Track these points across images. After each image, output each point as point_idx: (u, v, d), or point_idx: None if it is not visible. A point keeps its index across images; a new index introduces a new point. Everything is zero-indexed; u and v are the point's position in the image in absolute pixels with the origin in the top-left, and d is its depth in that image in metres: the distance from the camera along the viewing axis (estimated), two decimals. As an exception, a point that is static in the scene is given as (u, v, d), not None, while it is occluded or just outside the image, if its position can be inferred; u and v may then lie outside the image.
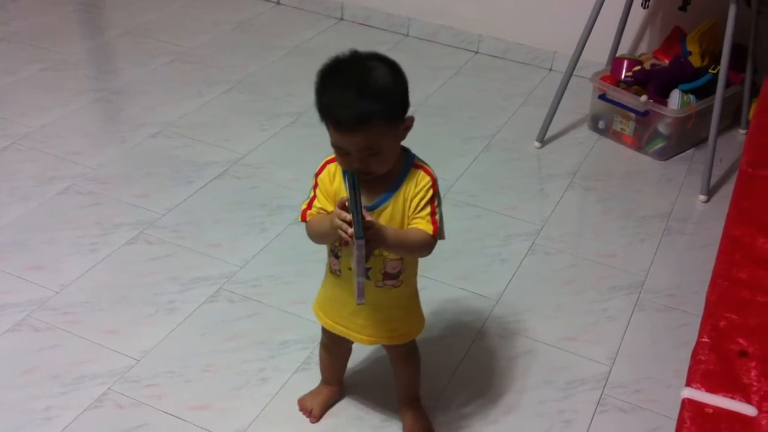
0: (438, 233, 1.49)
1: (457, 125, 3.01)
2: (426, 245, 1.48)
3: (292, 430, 1.81)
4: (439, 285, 2.22)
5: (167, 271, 2.21)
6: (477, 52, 3.54)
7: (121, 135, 2.84)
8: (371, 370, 1.93)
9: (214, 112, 2.98)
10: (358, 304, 1.42)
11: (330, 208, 1.49)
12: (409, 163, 1.51)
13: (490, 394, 1.92)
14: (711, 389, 1.17)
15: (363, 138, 1.38)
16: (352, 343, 1.76)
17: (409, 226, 1.49)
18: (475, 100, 3.20)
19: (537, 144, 2.91)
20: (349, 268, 1.50)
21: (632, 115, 2.86)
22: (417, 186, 1.48)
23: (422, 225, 1.48)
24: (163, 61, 3.30)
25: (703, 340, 1.25)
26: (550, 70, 3.43)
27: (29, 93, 3.01)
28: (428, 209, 1.48)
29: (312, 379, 1.89)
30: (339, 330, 1.67)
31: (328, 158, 1.52)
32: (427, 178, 1.50)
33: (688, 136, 2.90)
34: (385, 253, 1.51)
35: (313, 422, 1.82)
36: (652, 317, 2.18)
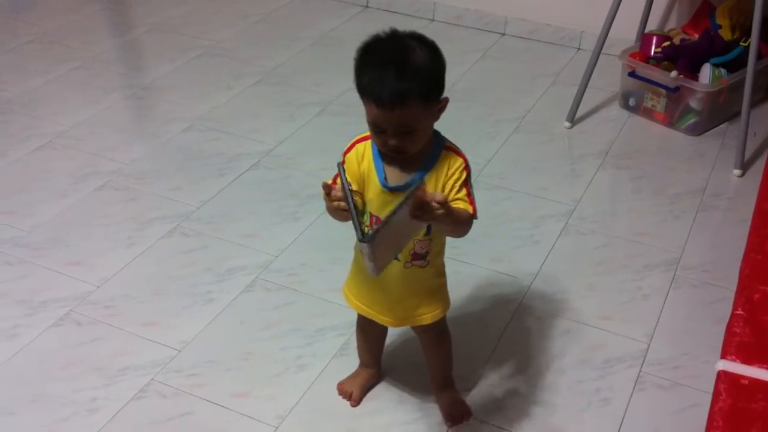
0: (475, 213, 1.51)
1: (485, 108, 3.00)
2: (468, 222, 1.50)
3: (333, 414, 1.83)
4: (473, 268, 2.22)
5: (204, 263, 2.24)
6: (503, 34, 3.53)
7: (153, 130, 2.87)
8: (409, 352, 1.94)
9: (243, 104, 3.01)
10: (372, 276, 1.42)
11: (354, 186, 1.51)
12: (439, 145, 1.52)
13: (527, 374, 1.93)
14: (746, 361, 1.17)
15: (400, 115, 1.39)
16: (386, 333, 1.78)
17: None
18: (503, 83, 3.19)
19: (567, 124, 2.90)
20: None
21: (663, 91, 2.84)
22: (450, 168, 1.50)
23: (463, 205, 1.49)
24: (191, 56, 3.33)
25: (738, 312, 1.24)
26: (578, 49, 3.40)
27: (62, 92, 3.06)
28: (464, 190, 1.50)
29: (349, 364, 1.91)
30: (366, 312, 1.69)
31: (359, 137, 1.54)
32: (460, 160, 1.51)
33: (720, 111, 2.87)
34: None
35: (353, 406, 1.84)
36: (689, 294, 2.17)
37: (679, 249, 2.32)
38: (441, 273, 1.68)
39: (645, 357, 1.97)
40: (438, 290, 1.68)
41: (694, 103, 2.81)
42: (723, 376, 1.15)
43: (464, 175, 1.51)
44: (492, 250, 2.30)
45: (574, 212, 2.46)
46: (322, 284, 2.17)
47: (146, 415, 1.81)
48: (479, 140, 2.80)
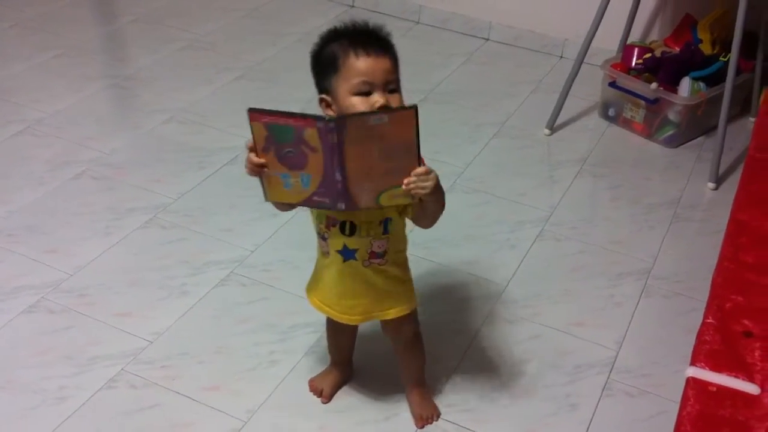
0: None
1: (467, 112, 3.02)
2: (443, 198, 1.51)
3: (304, 410, 1.84)
4: (448, 269, 2.24)
5: (180, 255, 2.24)
6: (488, 39, 3.55)
7: (133, 121, 2.86)
8: (381, 351, 1.94)
9: (225, 98, 3.00)
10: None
11: None
12: None
13: (498, 377, 1.94)
14: (715, 368, 1.19)
15: (391, 61, 1.44)
16: (356, 329, 1.79)
17: None
18: (485, 87, 3.20)
19: (547, 131, 2.92)
20: (337, 251, 1.56)
21: (642, 102, 2.87)
22: None
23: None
24: (175, 48, 3.32)
25: (708, 321, 1.26)
26: (561, 57, 3.43)
27: (43, 79, 3.04)
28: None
29: (321, 362, 1.92)
30: (326, 311, 1.69)
31: None
32: None
33: (698, 124, 2.90)
34: (372, 233, 1.53)
35: (324, 402, 1.85)
36: (660, 303, 2.20)
37: (651, 258, 2.35)
38: (403, 270, 1.66)
39: (614, 364, 1.99)
40: (400, 287, 1.66)
41: (672, 116, 2.85)
42: (692, 383, 1.17)
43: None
44: (468, 253, 2.31)
45: (550, 218, 2.48)
46: (297, 281, 2.15)
47: (116, 406, 1.80)
48: (460, 143, 2.81)
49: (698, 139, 2.93)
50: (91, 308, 2.05)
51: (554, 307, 2.16)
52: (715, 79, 2.83)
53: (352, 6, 3.74)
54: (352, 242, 1.54)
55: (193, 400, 1.83)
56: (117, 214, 2.37)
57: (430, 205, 1.47)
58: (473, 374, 1.95)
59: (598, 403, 1.88)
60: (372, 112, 1.38)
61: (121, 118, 2.94)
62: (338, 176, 1.38)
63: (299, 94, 3.02)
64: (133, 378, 1.87)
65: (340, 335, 1.83)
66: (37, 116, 2.80)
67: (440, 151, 2.69)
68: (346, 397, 1.87)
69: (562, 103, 2.90)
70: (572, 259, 2.34)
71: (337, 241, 1.55)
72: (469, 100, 3.10)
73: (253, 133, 1.39)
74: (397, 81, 1.46)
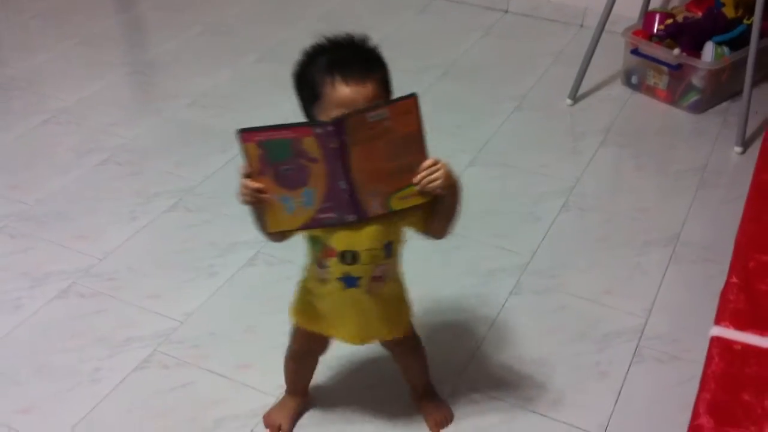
0: None
1: (487, 86, 3.00)
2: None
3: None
4: (473, 243, 2.24)
5: (206, 237, 2.26)
6: (507, 11, 3.52)
7: (156, 106, 2.88)
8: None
9: (245, 81, 3.01)
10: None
11: None
12: None
13: (525, 348, 1.95)
14: (739, 327, 1.19)
15: (372, 88, 1.30)
16: (323, 352, 1.68)
17: None
18: (505, 60, 3.19)
19: (569, 101, 2.90)
20: (338, 278, 1.43)
21: (665, 69, 2.84)
22: None
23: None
24: (194, 33, 3.34)
25: (732, 280, 1.26)
26: (581, 26, 3.39)
27: (65, 68, 3.07)
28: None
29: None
30: (324, 333, 1.58)
31: None
32: None
33: (722, 89, 2.87)
34: (375, 259, 1.41)
35: None
36: (688, 269, 2.18)
37: (679, 225, 2.33)
38: (400, 285, 1.55)
39: (643, 331, 1.98)
40: (401, 306, 1.57)
41: (696, 81, 2.81)
42: (716, 342, 1.17)
43: None
44: (492, 226, 2.31)
45: (574, 188, 2.47)
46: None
47: (149, 385, 1.83)
48: (481, 117, 2.80)
49: (723, 104, 2.89)
50: (121, 291, 2.07)
51: (581, 277, 2.15)
52: (739, 43, 2.79)
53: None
54: (355, 270, 1.41)
55: (226, 377, 1.85)
56: (143, 199, 2.39)
57: (447, 203, 1.36)
58: (501, 345, 1.95)
59: (628, 371, 1.88)
60: (371, 108, 1.26)
61: (143, 104, 2.97)
62: (343, 185, 1.29)
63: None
64: (166, 358, 1.89)
65: (306, 363, 1.71)
66: (60, 105, 2.82)
67: (461, 125, 2.68)
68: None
69: (584, 73, 2.88)
70: (598, 229, 2.33)
71: (338, 269, 1.42)
72: (489, 73, 3.08)
73: (246, 155, 1.29)
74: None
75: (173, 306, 2.03)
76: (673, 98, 2.88)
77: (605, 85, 3.01)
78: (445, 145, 2.57)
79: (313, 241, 1.43)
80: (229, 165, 2.55)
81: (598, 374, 1.88)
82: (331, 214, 1.32)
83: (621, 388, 1.84)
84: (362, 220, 1.33)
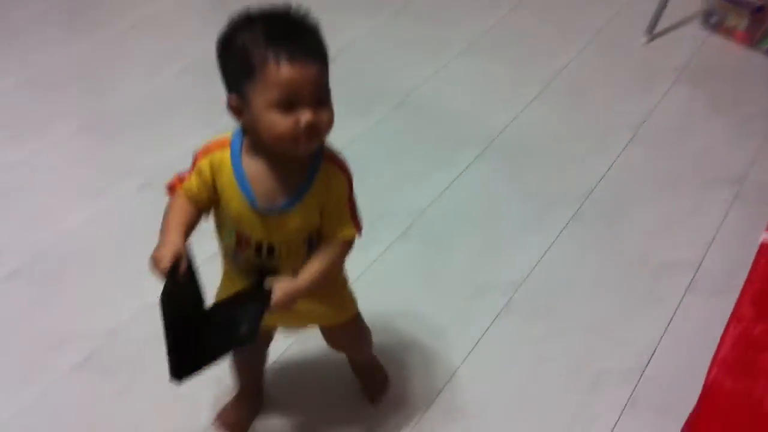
0: (360, 231, 1.29)
1: (561, 19, 2.97)
2: (346, 253, 1.30)
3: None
4: (530, 180, 2.27)
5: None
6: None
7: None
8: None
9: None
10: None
11: (204, 195, 1.22)
12: (319, 154, 1.21)
13: (584, 270, 2.00)
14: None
15: (320, 69, 1.13)
16: (268, 340, 1.54)
17: (322, 247, 1.27)
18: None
19: (644, 39, 2.87)
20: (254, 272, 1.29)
21: (746, 11, 2.79)
22: (333, 189, 1.23)
23: (346, 231, 1.27)
24: None
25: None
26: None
27: None
28: (347, 213, 1.27)
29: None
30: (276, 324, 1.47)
31: (216, 140, 1.22)
32: (343, 180, 1.24)
33: (804, 34, 2.81)
34: (294, 256, 1.27)
35: None
36: (752, 210, 2.19)
37: (746, 167, 2.32)
38: (333, 282, 1.40)
39: (700, 264, 2.02)
40: (336, 294, 1.44)
41: (777, 25, 2.76)
42: (764, 249, 1.20)
43: (347, 193, 1.25)
44: (557, 160, 2.34)
45: (643, 125, 2.48)
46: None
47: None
48: (553, 49, 2.78)
49: (804, 49, 2.84)
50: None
51: (641, 214, 2.18)
52: (826, -13, 2.72)
53: None
54: (271, 264, 1.26)
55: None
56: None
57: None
58: (555, 269, 2.00)
59: (681, 300, 1.92)
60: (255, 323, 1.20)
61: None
62: None
63: (337, 42, 3.03)
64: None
65: (255, 354, 1.56)
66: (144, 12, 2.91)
67: (533, 54, 2.68)
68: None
69: (662, 11, 2.84)
70: (662, 167, 2.34)
71: (253, 265, 1.27)
72: (562, 4, 3.05)
73: None
74: (326, 87, 1.15)
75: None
76: (751, 41, 2.84)
77: (683, 24, 2.97)
78: (514, 77, 2.58)
79: (227, 229, 1.27)
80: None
81: (654, 300, 1.92)
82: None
83: (672, 317, 1.88)
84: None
